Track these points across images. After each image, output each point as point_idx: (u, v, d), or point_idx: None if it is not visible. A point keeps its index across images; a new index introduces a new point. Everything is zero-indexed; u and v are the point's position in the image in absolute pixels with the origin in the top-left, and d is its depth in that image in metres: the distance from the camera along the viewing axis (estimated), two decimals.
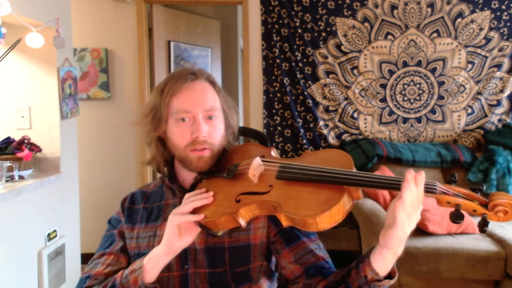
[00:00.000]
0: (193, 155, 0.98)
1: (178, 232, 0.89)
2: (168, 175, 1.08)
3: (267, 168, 0.92)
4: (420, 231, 2.51)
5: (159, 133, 1.02)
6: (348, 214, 0.81)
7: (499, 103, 3.33)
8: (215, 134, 1.00)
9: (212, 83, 1.04)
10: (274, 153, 1.02)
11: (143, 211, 1.07)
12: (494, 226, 2.63)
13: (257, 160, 0.92)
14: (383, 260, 0.81)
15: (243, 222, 0.87)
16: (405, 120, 3.37)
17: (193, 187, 1.01)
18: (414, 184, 0.75)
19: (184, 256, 0.99)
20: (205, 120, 0.99)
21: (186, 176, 1.05)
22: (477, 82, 3.33)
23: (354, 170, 0.84)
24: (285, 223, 0.81)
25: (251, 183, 0.91)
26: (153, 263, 0.91)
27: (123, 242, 1.06)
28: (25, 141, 2.08)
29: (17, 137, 2.12)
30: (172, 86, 0.99)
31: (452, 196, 0.77)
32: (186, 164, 1.01)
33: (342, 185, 0.80)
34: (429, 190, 0.77)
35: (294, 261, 0.99)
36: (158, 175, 1.14)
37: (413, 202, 0.76)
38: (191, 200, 0.91)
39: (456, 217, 0.75)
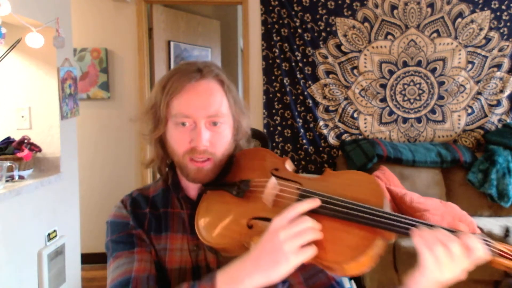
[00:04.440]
0: (192, 166, 0.87)
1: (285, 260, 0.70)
2: (172, 183, 0.96)
3: (283, 189, 0.80)
4: None
5: (159, 134, 0.91)
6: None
7: (499, 103, 3.33)
8: (218, 142, 0.88)
9: (221, 82, 0.91)
10: (289, 166, 0.89)
11: (150, 216, 0.94)
12: (493, 226, 2.63)
13: (273, 181, 0.81)
14: None
15: None
16: (405, 120, 3.37)
17: (199, 198, 0.91)
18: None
19: (198, 277, 0.90)
20: (208, 127, 0.87)
21: (190, 184, 0.94)
22: (477, 82, 3.33)
23: (386, 201, 0.74)
24: (306, 260, 0.70)
25: (264, 206, 0.80)
26: None
27: (142, 243, 0.91)
28: (25, 141, 2.08)
29: (17, 137, 2.13)
30: (174, 84, 0.87)
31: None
32: (184, 173, 0.90)
33: (376, 228, 0.70)
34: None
35: (303, 281, 0.87)
36: (158, 176, 1.03)
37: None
38: (305, 231, 0.71)
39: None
